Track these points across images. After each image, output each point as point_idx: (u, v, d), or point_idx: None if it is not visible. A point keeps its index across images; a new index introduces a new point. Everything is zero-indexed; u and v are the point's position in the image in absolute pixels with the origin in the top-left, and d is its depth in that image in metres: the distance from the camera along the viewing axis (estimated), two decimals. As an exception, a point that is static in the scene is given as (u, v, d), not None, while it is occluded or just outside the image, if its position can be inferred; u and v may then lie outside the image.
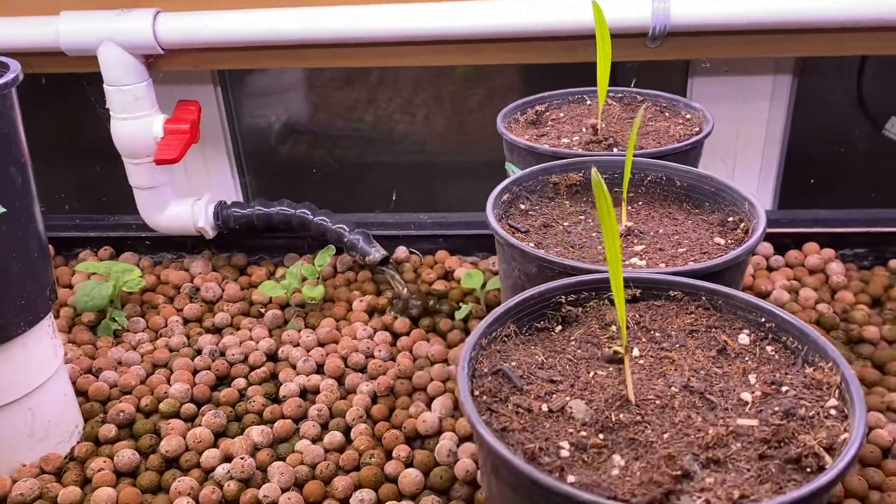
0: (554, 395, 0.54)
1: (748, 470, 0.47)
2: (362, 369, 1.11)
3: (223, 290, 1.28)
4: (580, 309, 0.62)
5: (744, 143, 1.35)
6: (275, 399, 1.06)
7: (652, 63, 1.27)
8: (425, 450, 0.96)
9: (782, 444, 0.48)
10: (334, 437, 0.98)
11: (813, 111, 1.37)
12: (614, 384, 0.55)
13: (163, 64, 1.23)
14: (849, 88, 1.37)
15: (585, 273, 0.63)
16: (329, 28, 1.17)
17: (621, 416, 0.51)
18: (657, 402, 0.53)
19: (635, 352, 0.57)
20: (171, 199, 1.29)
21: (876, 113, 1.37)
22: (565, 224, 0.78)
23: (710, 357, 0.57)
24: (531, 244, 0.70)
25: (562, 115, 1.05)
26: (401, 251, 1.34)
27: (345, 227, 1.28)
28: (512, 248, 0.68)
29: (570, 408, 0.53)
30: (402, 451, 0.95)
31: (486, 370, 0.56)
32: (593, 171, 0.48)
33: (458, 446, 0.95)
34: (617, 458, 0.49)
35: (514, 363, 0.57)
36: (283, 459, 0.95)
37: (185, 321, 1.23)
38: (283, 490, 0.90)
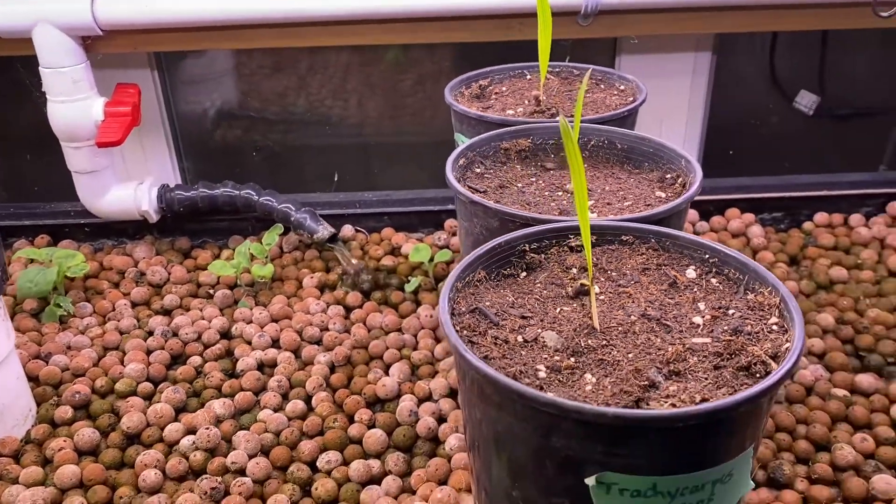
0: (527, 328, 0.58)
1: (706, 378, 0.52)
2: (318, 342, 1.13)
3: (169, 274, 1.28)
4: (542, 256, 0.67)
5: (668, 116, 1.43)
6: (232, 374, 1.08)
7: (584, 41, 1.33)
8: (386, 412, 0.99)
9: (733, 356, 0.54)
10: (296, 405, 1.00)
11: (730, 86, 1.46)
12: (580, 317, 0.60)
13: (101, 46, 1.21)
14: (762, 64, 1.47)
15: (545, 223, 0.68)
16: (268, 8, 1.19)
17: (589, 341, 0.56)
18: (620, 328, 0.58)
19: (596, 289, 0.62)
20: (113, 182, 1.28)
21: (787, 86, 1.48)
22: (519, 185, 0.83)
23: (662, 290, 0.63)
24: (491, 202, 0.74)
25: (504, 88, 1.10)
26: (347, 229, 1.37)
27: (291, 206, 1.30)
28: (475, 204, 0.73)
29: (543, 337, 0.57)
30: (363, 414, 0.98)
31: (463, 309, 0.60)
32: (562, 121, 0.52)
33: (418, 406, 0.99)
34: (588, 376, 0.54)
35: (487, 303, 0.61)
36: (247, 429, 0.97)
37: (134, 304, 1.22)
38: (251, 456, 0.92)
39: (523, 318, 0.60)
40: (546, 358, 0.55)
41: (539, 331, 0.58)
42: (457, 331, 0.55)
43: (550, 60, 1.20)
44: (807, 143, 1.55)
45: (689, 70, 1.39)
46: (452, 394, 1.02)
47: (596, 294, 0.61)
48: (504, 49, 1.34)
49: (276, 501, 0.86)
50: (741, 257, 0.62)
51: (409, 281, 1.25)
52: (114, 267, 1.30)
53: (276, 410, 1.00)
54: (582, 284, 0.60)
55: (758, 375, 0.52)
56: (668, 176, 0.83)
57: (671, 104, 1.41)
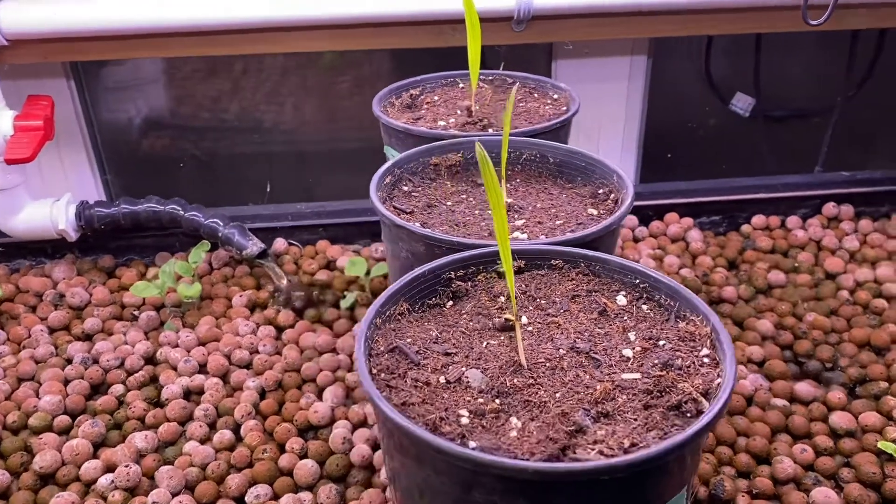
0: (450, 367, 0.55)
1: (635, 420, 0.50)
2: (247, 365, 1.08)
3: (91, 295, 1.21)
4: (469, 283, 0.64)
5: (606, 121, 1.42)
6: (157, 403, 1.02)
7: (519, 47, 1.31)
8: (319, 440, 0.95)
9: (663, 394, 0.51)
10: (223, 435, 0.95)
11: (667, 90, 1.45)
12: (506, 351, 0.57)
13: (7, 56, 1.14)
14: (697, 67, 1.46)
15: (472, 248, 0.64)
16: (190, 16, 1.13)
17: (515, 380, 0.53)
18: (547, 364, 0.55)
19: (524, 319, 0.59)
20: (27, 201, 1.20)
21: (722, 89, 1.48)
22: (448, 203, 0.79)
23: (592, 319, 0.60)
24: (417, 224, 0.71)
25: (436, 98, 1.06)
26: (279, 243, 1.32)
27: (219, 221, 1.24)
28: (399, 228, 0.69)
29: (467, 377, 0.54)
30: (295, 443, 0.94)
31: (382, 348, 0.56)
32: (478, 147, 0.49)
33: (352, 433, 0.95)
34: (514, 420, 0.51)
35: (409, 340, 0.58)
36: (171, 463, 0.92)
37: (51, 330, 1.15)
38: (174, 494, 0.87)
39: (447, 354, 0.57)
40: (469, 401, 0.52)
41: (463, 369, 0.55)
42: (372, 374, 0.52)
43: (487, 68, 1.17)
44: (743, 145, 1.55)
45: (626, 75, 1.37)
46: (388, 417, 0.98)
47: (524, 325, 0.58)
48: (442, 52, 1.30)
49: (199, 544, 0.81)
50: (672, 283, 0.59)
51: (344, 296, 1.21)
52: (30, 289, 1.23)
53: (202, 442, 0.95)
54: (507, 319, 0.57)
55: (688, 415, 0.50)
56: (601, 191, 0.81)
57: (609, 109, 1.40)
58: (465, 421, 0.51)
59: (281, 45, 1.23)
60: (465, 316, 0.61)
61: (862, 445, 0.93)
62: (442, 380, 0.54)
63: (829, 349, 1.09)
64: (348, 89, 1.55)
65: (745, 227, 1.38)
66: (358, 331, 0.54)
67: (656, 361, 0.54)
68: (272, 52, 1.33)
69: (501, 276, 0.65)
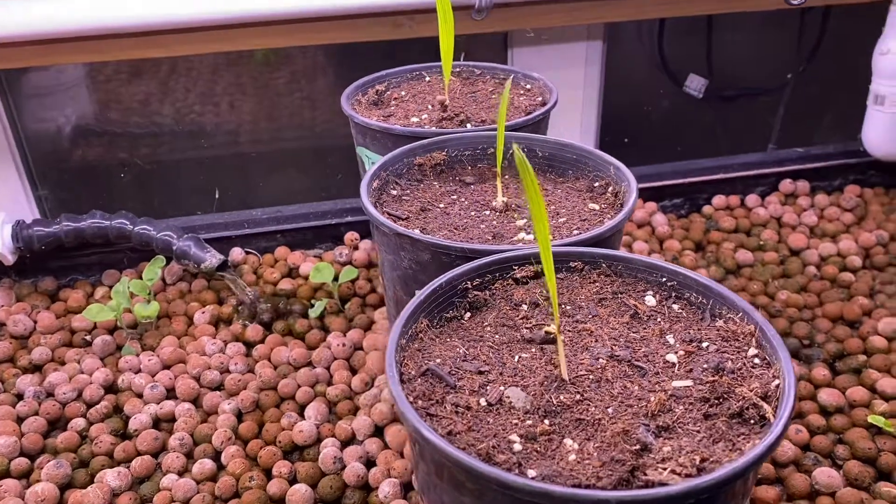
0: (488, 387, 0.51)
1: (698, 432, 0.47)
2: (219, 387, 1.02)
3: (35, 322, 1.12)
4: (487, 292, 0.60)
5: (564, 108, 1.39)
6: (124, 435, 0.95)
7: (474, 37, 1.27)
8: (307, 461, 0.90)
9: (722, 401, 0.49)
10: (204, 465, 0.89)
11: (622, 74, 1.44)
12: (542, 365, 0.53)
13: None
14: (651, 51, 1.46)
15: (486, 255, 0.60)
16: (119, 15, 1.04)
17: (561, 397, 0.50)
18: (590, 376, 0.52)
19: (549, 328, 0.56)
20: (-45, 224, 1.10)
21: (676, 72, 1.48)
22: (441, 206, 0.75)
23: (624, 323, 0.57)
24: (417, 231, 0.66)
25: (403, 93, 1.02)
26: (236, 252, 1.25)
27: (172, 233, 1.16)
28: (401, 237, 0.64)
29: (508, 397, 0.50)
30: (282, 467, 0.88)
31: (413, 373, 0.52)
32: (516, 150, 0.45)
33: (342, 451, 0.90)
34: (569, 441, 0.47)
35: (438, 360, 0.53)
36: (150, 501, 0.85)
37: (-5, 364, 1.06)
38: (158, 536, 0.81)
39: (480, 372, 0.53)
40: (517, 424, 0.48)
41: (501, 388, 0.51)
42: (411, 402, 0.47)
43: (439, 60, 1.12)
44: (698, 126, 1.56)
45: (582, 61, 1.35)
46: (378, 432, 0.94)
47: (552, 337, 0.55)
48: (392, 44, 1.25)
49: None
50: (703, 280, 0.57)
51: (313, 305, 1.15)
52: (-35, 320, 1.12)
53: (180, 474, 0.89)
54: (547, 333, 0.54)
55: (752, 422, 0.47)
56: (597, 185, 0.78)
57: (567, 96, 1.37)
58: (517, 447, 0.47)
59: (220, 44, 1.15)
60: (488, 329, 0.57)
61: (853, 421, 0.94)
62: (483, 402, 0.50)
63: (806, 326, 1.09)
64: (284, 87, 1.48)
65: (707, 209, 1.39)
66: (387, 356, 0.50)
67: (706, 366, 0.51)
68: (219, 51, 1.26)
69: (519, 282, 0.61)
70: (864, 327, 1.09)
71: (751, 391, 0.48)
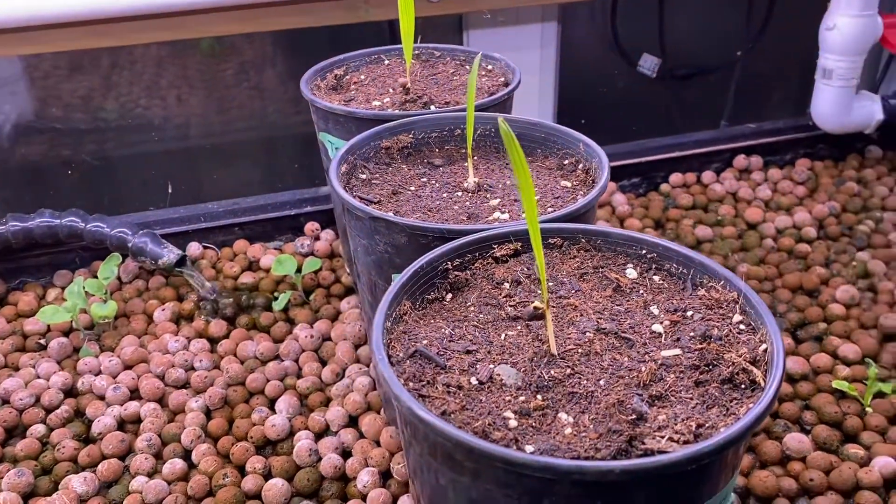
0: (477, 366, 0.50)
1: (691, 399, 0.47)
2: (185, 385, 0.99)
3: (-15, 328, 1.07)
4: (467, 272, 0.59)
5: (521, 90, 1.39)
6: (87, 440, 0.91)
7: (429, 19, 1.25)
8: (281, 455, 0.88)
9: (711, 367, 0.49)
10: (174, 465, 0.86)
11: (576, 56, 1.45)
12: (529, 341, 0.53)
13: None
14: (604, 31, 1.46)
15: (465, 235, 0.60)
16: (63, 4, 1.00)
17: (552, 371, 0.49)
18: (579, 350, 0.51)
19: (537, 304, 0.55)
20: None
21: (629, 51, 1.49)
22: (412, 189, 0.74)
23: (607, 297, 0.57)
24: (391, 214, 0.65)
25: (363, 77, 1.00)
26: (193, 247, 1.22)
27: (127, 230, 1.13)
28: (376, 221, 0.63)
29: (499, 375, 0.50)
30: (256, 462, 0.86)
31: (401, 355, 0.51)
32: (502, 123, 0.44)
33: (316, 443, 0.89)
34: (563, 416, 0.47)
35: (424, 341, 0.52)
36: (120, 505, 0.82)
37: (-56, 373, 1.01)
38: (132, 540, 0.78)
39: (468, 352, 0.52)
40: (509, 401, 0.48)
41: (491, 366, 0.50)
42: (402, 385, 0.46)
43: (396, 42, 1.11)
44: (653, 105, 1.57)
45: (538, 43, 1.35)
46: (353, 422, 0.92)
47: (541, 312, 0.54)
48: (335, 31, 1.23)
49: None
50: (683, 250, 0.57)
51: (276, 298, 1.13)
52: None
53: (150, 476, 0.86)
54: (535, 308, 0.53)
55: (743, 387, 0.48)
56: (566, 162, 0.78)
57: (523, 78, 1.37)
58: (512, 424, 0.46)
59: (171, 31, 1.12)
60: (472, 308, 0.56)
61: (818, 387, 0.96)
62: (474, 381, 0.49)
63: (767, 297, 1.12)
64: (232, 77, 1.45)
65: (664, 187, 1.40)
66: (374, 339, 0.49)
67: (692, 334, 0.52)
68: (172, 40, 1.22)
69: (499, 261, 0.60)
70: (822, 296, 1.12)
71: (739, 357, 0.49)
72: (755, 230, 1.29)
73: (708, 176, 1.41)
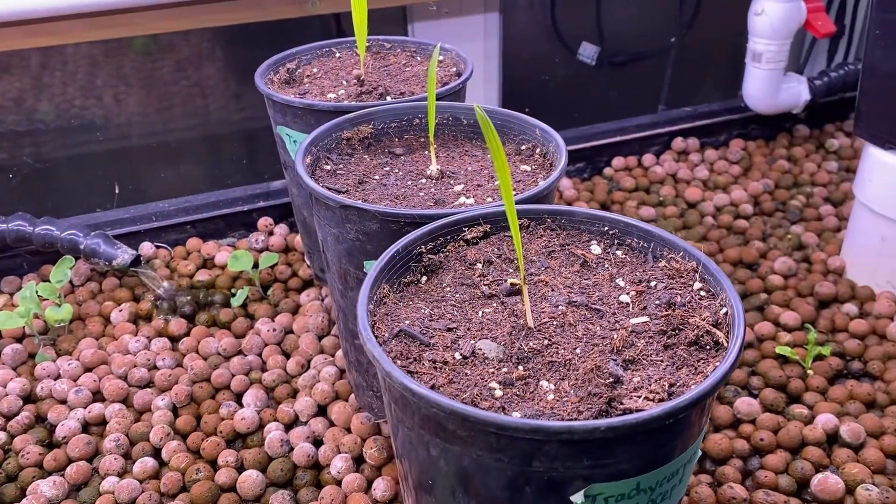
0: (459, 342, 0.53)
1: (661, 361, 0.50)
2: (149, 384, 0.98)
3: (-68, 338, 1.04)
4: (440, 255, 0.61)
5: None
6: (52, 444, 0.90)
7: (371, 12, 1.27)
8: (252, 447, 0.89)
9: (678, 332, 0.52)
10: (145, 464, 0.86)
11: (518, 46, 1.48)
12: (506, 317, 0.55)
13: None
14: (545, 20, 1.50)
15: (435, 219, 0.62)
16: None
17: (531, 343, 0.52)
18: (554, 322, 0.54)
19: (510, 281, 0.58)
20: None
21: (570, 40, 1.53)
22: (377, 178, 0.76)
23: (575, 272, 0.60)
24: (360, 202, 0.67)
25: (315, 70, 1.01)
26: (146, 247, 1.21)
27: (78, 232, 1.11)
28: (347, 209, 0.65)
29: (480, 349, 0.52)
30: (228, 456, 0.87)
31: (386, 335, 0.52)
32: (478, 110, 0.47)
33: (287, 433, 0.90)
34: (545, 383, 0.50)
35: (407, 322, 0.54)
36: (93, 506, 0.82)
37: None
38: (109, 539, 0.78)
39: (449, 330, 0.54)
40: (493, 372, 0.50)
41: (473, 342, 0.53)
42: (392, 362, 0.48)
43: (344, 35, 1.12)
44: (594, 92, 1.62)
45: (481, 33, 1.38)
46: (322, 411, 0.94)
47: (517, 288, 0.57)
48: (279, 24, 1.23)
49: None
50: (643, 225, 0.61)
51: (234, 294, 1.13)
52: None
53: (121, 476, 0.86)
54: (512, 284, 0.56)
55: (708, 347, 0.51)
56: (524, 147, 0.81)
57: (469, 68, 1.40)
58: (498, 393, 0.49)
59: (115, 29, 1.11)
60: (448, 289, 0.59)
61: (762, 354, 1.02)
62: (457, 356, 0.52)
63: (711, 272, 1.17)
64: (169, 74, 1.43)
65: (608, 170, 1.45)
66: (360, 321, 0.50)
67: (658, 302, 0.55)
68: (107, 38, 1.20)
69: (470, 243, 0.63)
70: (761, 268, 1.18)
71: (703, 320, 0.52)
72: (695, 209, 1.34)
73: (648, 159, 1.46)
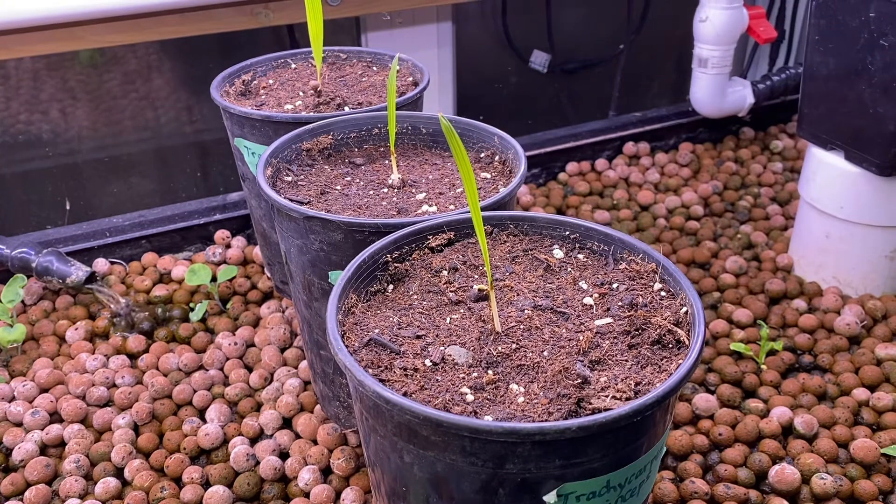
0: (429, 349, 0.53)
1: (626, 361, 0.52)
2: (108, 403, 0.97)
3: None
4: (406, 263, 0.62)
5: (421, 90, 1.43)
6: (8, 468, 0.88)
7: (325, 23, 1.27)
8: (217, 463, 0.88)
9: (641, 331, 0.54)
10: (108, 484, 0.85)
11: (471, 55, 1.49)
12: (473, 322, 0.56)
13: None
14: (497, 29, 1.52)
15: (399, 228, 0.62)
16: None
17: (499, 348, 0.53)
18: (521, 326, 0.55)
19: (476, 288, 0.59)
20: None
21: (521, 48, 1.55)
22: (338, 188, 0.76)
23: (539, 276, 0.61)
24: (323, 213, 0.67)
25: (271, 81, 1.01)
26: (100, 264, 1.19)
27: (29, 250, 1.09)
28: (311, 220, 0.65)
29: (450, 355, 0.53)
30: (193, 472, 0.86)
31: (356, 345, 0.53)
32: (442, 119, 0.47)
33: (252, 448, 0.89)
34: (515, 386, 0.51)
35: (376, 330, 0.55)
36: (54, 530, 0.80)
37: None
38: (72, 563, 0.76)
39: (418, 337, 0.55)
40: (463, 378, 0.51)
41: (442, 348, 0.53)
42: (363, 371, 0.49)
43: (297, 46, 1.12)
44: (546, 99, 1.64)
45: (434, 42, 1.39)
46: (287, 424, 0.93)
47: (485, 294, 0.58)
48: (229, 36, 1.23)
49: None
50: (603, 228, 0.62)
51: (193, 308, 1.12)
52: None
53: (82, 498, 0.84)
54: (480, 290, 0.57)
55: (670, 346, 0.53)
56: (483, 155, 0.82)
57: (423, 77, 1.41)
58: (469, 398, 0.49)
59: (68, 42, 1.09)
60: (415, 296, 0.59)
61: (718, 351, 1.05)
62: (427, 363, 0.52)
63: (665, 272, 1.20)
64: (118, 87, 1.41)
65: (562, 176, 1.47)
66: (329, 331, 0.51)
67: (620, 304, 0.56)
68: (59, 51, 1.18)
69: (434, 250, 0.63)
70: (713, 267, 1.21)
71: (664, 320, 0.54)
72: (648, 211, 1.37)
73: (601, 163, 1.49)
